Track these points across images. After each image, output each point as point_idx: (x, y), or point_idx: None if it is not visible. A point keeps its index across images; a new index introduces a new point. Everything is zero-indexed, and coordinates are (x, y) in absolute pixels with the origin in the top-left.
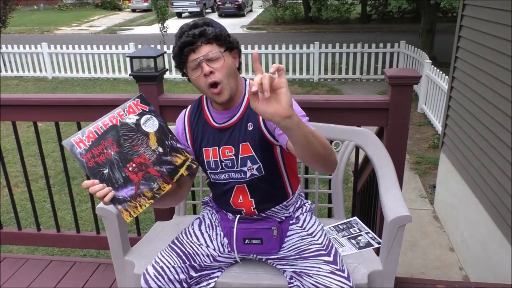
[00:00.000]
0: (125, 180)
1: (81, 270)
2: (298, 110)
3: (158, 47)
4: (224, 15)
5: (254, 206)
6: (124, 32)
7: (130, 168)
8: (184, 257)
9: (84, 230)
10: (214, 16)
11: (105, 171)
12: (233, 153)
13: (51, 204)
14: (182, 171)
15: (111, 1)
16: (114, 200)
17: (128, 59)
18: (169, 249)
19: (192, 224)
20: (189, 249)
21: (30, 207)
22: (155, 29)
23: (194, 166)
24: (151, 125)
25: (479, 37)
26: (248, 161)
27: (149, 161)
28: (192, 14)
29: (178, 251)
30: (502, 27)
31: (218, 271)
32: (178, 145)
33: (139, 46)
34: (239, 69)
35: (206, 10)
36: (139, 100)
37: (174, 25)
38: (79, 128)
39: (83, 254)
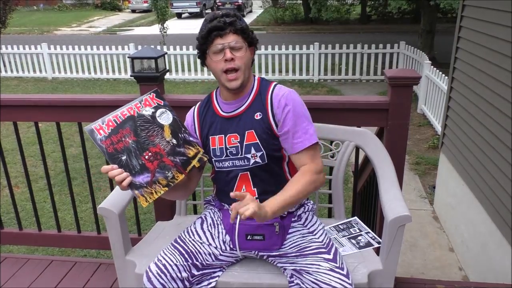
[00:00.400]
0: (141, 167)
1: (82, 270)
2: (300, 119)
3: (158, 47)
4: None
5: (257, 196)
6: (124, 33)
7: (146, 157)
8: (186, 255)
9: (84, 230)
10: None
11: (123, 158)
12: (238, 140)
13: (52, 204)
14: (194, 162)
15: (111, 1)
16: (132, 185)
17: (128, 60)
18: (172, 247)
19: (194, 223)
20: (191, 247)
21: (30, 207)
22: (155, 29)
23: (205, 159)
24: (165, 118)
25: (479, 38)
26: (252, 148)
27: (163, 151)
28: (192, 15)
29: (181, 249)
30: (501, 28)
31: (219, 270)
32: (191, 139)
33: (139, 47)
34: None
35: (206, 11)
36: (154, 94)
37: (174, 26)
38: (80, 128)
39: (83, 254)
